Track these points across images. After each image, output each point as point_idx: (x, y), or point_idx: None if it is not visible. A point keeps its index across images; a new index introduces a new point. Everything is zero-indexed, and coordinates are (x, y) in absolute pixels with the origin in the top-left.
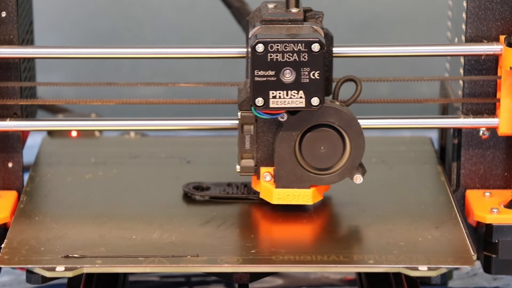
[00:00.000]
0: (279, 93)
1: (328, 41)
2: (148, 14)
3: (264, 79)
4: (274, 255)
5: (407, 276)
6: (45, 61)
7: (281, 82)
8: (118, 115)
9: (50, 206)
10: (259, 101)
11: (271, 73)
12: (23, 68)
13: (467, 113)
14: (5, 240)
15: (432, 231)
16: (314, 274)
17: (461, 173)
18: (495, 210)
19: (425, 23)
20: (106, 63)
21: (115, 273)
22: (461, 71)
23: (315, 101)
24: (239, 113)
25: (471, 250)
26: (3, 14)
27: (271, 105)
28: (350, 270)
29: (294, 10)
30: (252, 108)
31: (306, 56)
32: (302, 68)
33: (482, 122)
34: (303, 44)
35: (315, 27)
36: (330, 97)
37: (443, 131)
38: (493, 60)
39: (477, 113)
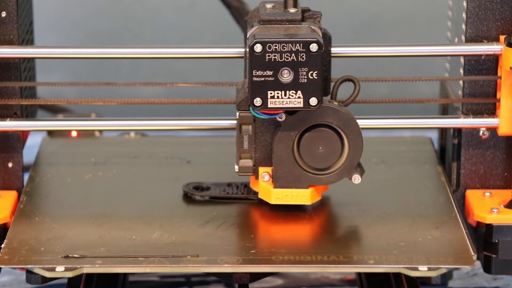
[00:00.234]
0: (277, 93)
1: (326, 41)
2: (148, 14)
3: (262, 79)
4: (274, 255)
5: (407, 276)
6: (45, 61)
7: (279, 82)
8: (118, 115)
9: (50, 206)
10: (257, 101)
11: (269, 73)
12: (23, 68)
13: (467, 113)
14: (5, 240)
15: (432, 231)
16: (314, 274)
17: (461, 173)
18: (495, 210)
19: (425, 23)
20: (106, 63)
21: (115, 273)
22: (461, 71)
23: (313, 101)
24: (237, 113)
25: (471, 250)
26: (3, 14)
27: (269, 105)
28: (350, 270)
29: (292, 10)
30: (250, 108)
31: (304, 56)
32: (300, 68)
33: (482, 122)
34: (301, 44)
35: (313, 27)
36: (329, 97)
37: (443, 131)
38: (493, 60)
39: (477, 113)
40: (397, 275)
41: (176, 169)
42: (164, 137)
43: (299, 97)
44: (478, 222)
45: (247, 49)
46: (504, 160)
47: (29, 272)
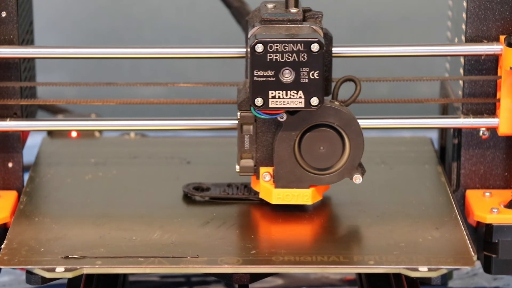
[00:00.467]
0: (279, 93)
1: (327, 41)
2: (148, 14)
3: (264, 79)
4: (274, 255)
5: (407, 277)
6: (45, 61)
7: (280, 82)
8: (118, 115)
9: (50, 207)
10: (259, 101)
11: (271, 73)
12: (23, 68)
13: (467, 113)
14: (5, 241)
15: (432, 232)
16: (314, 274)
17: (461, 173)
18: (495, 210)
19: (425, 23)
20: (106, 63)
21: (115, 274)
22: (461, 71)
23: (314, 101)
24: (238, 113)
25: (471, 251)
26: (3, 14)
27: (270, 105)
28: (350, 271)
29: (293, 10)
30: (252, 108)
31: (305, 56)
32: (301, 68)
33: (482, 122)
34: (302, 44)
35: (314, 27)
36: (330, 97)
37: (443, 131)
38: (493, 60)
39: (477, 113)
40: (397, 276)
41: (176, 170)
42: (164, 138)
43: (300, 97)
44: (478, 222)
45: (248, 49)
46: (504, 160)
47: (29, 273)
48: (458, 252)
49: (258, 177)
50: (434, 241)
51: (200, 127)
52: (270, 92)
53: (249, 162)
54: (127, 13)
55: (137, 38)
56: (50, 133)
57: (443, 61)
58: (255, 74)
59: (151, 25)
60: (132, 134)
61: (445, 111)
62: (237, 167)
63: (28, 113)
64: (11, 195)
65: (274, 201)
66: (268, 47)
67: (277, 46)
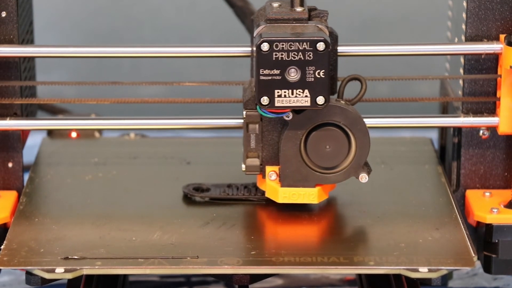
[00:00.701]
0: (284, 92)
1: (333, 40)
2: (148, 14)
3: (269, 78)
4: (274, 256)
5: (407, 278)
6: (45, 60)
7: (286, 81)
8: (118, 114)
9: (49, 208)
10: (264, 100)
11: (276, 72)
12: (23, 68)
13: (467, 112)
14: (4, 242)
15: (432, 233)
16: (314, 275)
17: (461, 173)
18: (495, 210)
19: (425, 23)
20: (106, 63)
21: (115, 275)
22: (461, 70)
23: (320, 100)
24: (244, 112)
25: (472, 251)
26: (3, 14)
27: (276, 104)
28: (350, 271)
29: (298, 9)
30: (257, 107)
31: (311, 55)
32: (307, 67)
33: (482, 121)
34: (308, 43)
35: (320, 26)
36: (335, 96)
37: (443, 130)
38: (493, 59)
39: (477, 112)
40: (398, 276)
41: (176, 170)
42: (164, 138)
43: (306, 96)
44: (478, 222)
45: (254, 48)
46: (504, 160)
47: (28, 274)
48: (458, 253)
49: (264, 176)
50: (434, 241)
51: (200, 126)
52: (276, 91)
53: (255, 161)
54: (127, 13)
55: (137, 38)
56: (50, 133)
57: (443, 61)
58: (261, 73)
59: (151, 25)
60: (132, 135)
61: (445, 110)
62: (243, 166)
63: (28, 113)
64: (11, 195)
65: (280, 200)
66: (274, 46)
67: (282, 45)
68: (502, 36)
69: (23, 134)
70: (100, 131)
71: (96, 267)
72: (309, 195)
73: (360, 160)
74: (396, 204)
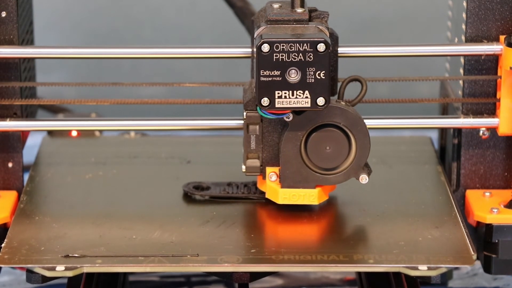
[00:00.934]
0: (285, 93)
1: (333, 41)
2: (148, 14)
3: (270, 79)
4: (274, 254)
5: (407, 276)
6: (45, 61)
7: (286, 82)
8: (118, 115)
9: (50, 206)
10: (265, 101)
11: (277, 73)
12: (23, 68)
13: (467, 113)
14: (5, 240)
15: (432, 231)
16: (314, 274)
17: (461, 173)
18: (495, 210)
19: (425, 23)
20: (106, 63)
21: (115, 273)
22: (461, 71)
23: (320, 101)
24: (244, 113)
25: (471, 249)
26: (3, 14)
27: (276, 105)
28: (350, 269)
29: (299, 10)
30: (258, 108)
31: (311, 56)
32: (307, 68)
33: (482, 122)
34: (308, 44)
35: (320, 27)
36: (336, 97)
37: (443, 131)
38: (493, 60)
39: (477, 113)
40: (397, 275)
41: (176, 169)
42: (164, 137)
43: (306, 97)
44: (478, 222)
45: (255, 49)
46: (504, 160)
47: (29, 272)
48: (458, 251)
49: (264, 177)
50: (433, 240)
51: (200, 127)
52: (276, 92)
53: (255, 162)
54: (127, 13)
55: (137, 38)
56: (50, 132)
57: (443, 61)
58: (261, 74)
59: (151, 25)
60: (132, 133)
61: (445, 111)
62: (243, 167)
63: (28, 113)
64: (11, 195)
65: (280, 201)
66: (274, 47)
67: (283, 46)
68: (502, 37)
69: (23, 134)
70: (100, 130)
71: (97, 265)
72: (309, 196)
73: (360, 161)
74: (395, 203)
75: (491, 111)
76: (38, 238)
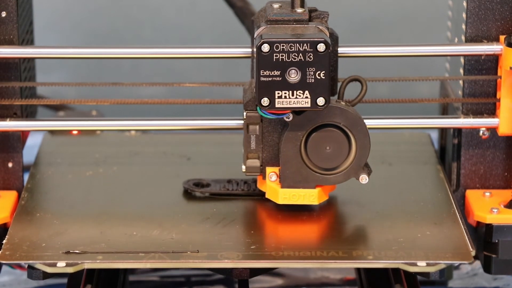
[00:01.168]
0: (285, 93)
1: (333, 41)
2: (148, 14)
3: (270, 79)
4: (274, 251)
5: (406, 273)
6: (45, 61)
7: (286, 82)
8: (118, 114)
9: (51, 203)
10: (265, 101)
11: (277, 73)
12: (23, 68)
13: (467, 113)
14: (6, 236)
15: (431, 228)
16: (314, 274)
17: (461, 173)
18: (495, 210)
19: (425, 23)
20: (106, 63)
21: (115, 271)
22: (461, 71)
23: (320, 101)
24: (244, 113)
25: (470, 246)
26: (3, 14)
27: (276, 105)
28: (349, 265)
29: (299, 10)
30: (258, 108)
31: (311, 56)
32: (307, 68)
33: (482, 122)
34: (308, 44)
35: (320, 27)
36: (336, 97)
37: (443, 131)
38: (493, 60)
39: (477, 113)
40: (396, 272)
41: (177, 166)
42: (164, 135)
43: (306, 97)
44: (478, 222)
45: (255, 49)
46: (504, 160)
47: (30, 268)
48: (456, 247)
49: (264, 177)
50: (432, 236)
51: (201, 127)
52: (276, 92)
53: (255, 162)
54: (127, 13)
55: (137, 38)
56: (51, 130)
57: (443, 61)
58: (261, 74)
59: (151, 25)
60: (133, 131)
61: (445, 111)
62: (243, 167)
63: (28, 113)
64: (11, 195)
65: (280, 201)
66: (274, 47)
67: (283, 46)
68: (502, 37)
69: (23, 134)
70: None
71: (97, 261)
72: (309, 196)
73: (360, 161)
74: (394, 200)
75: (491, 111)
76: (39, 234)
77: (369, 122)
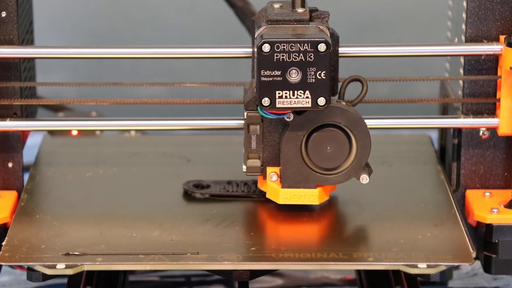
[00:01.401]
0: (285, 93)
1: (334, 41)
2: (148, 14)
3: (270, 79)
4: (274, 252)
5: (406, 275)
6: (46, 61)
7: (287, 82)
8: (118, 114)
9: (50, 204)
10: (265, 101)
11: (277, 73)
12: (23, 68)
13: (467, 113)
14: (6, 238)
15: (431, 229)
16: (314, 274)
17: (461, 173)
18: (495, 210)
19: (425, 23)
20: (106, 63)
21: (115, 272)
22: (461, 71)
23: (321, 101)
24: (245, 113)
25: (470, 247)
26: (3, 14)
27: (277, 105)
28: (349, 267)
29: (300, 10)
30: (258, 108)
31: (312, 56)
32: (308, 68)
33: (482, 122)
34: (309, 44)
35: (321, 27)
36: (336, 97)
37: (443, 131)
38: (493, 60)
39: (477, 113)
40: (397, 273)
41: (176, 167)
42: (164, 136)
43: (307, 97)
44: (478, 222)
45: (255, 49)
46: (504, 160)
47: (30, 270)
48: (457, 249)
49: (265, 177)
50: (433, 238)
51: (201, 127)
52: (277, 92)
53: (256, 162)
54: (127, 13)
55: (137, 38)
56: (51, 131)
57: (443, 61)
58: (262, 74)
59: (151, 25)
60: (133, 132)
61: (445, 111)
62: (244, 167)
63: (28, 113)
64: (11, 195)
65: (281, 201)
66: (275, 47)
67: (284, 46)
68: (502, 37)
69: (23, 134)
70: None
71: (97, 263)
72: (310, 196)
73: (361, 161)
74: (395, 202)
75: (491, 111)
76: (39, 236)
77: (369, 122)
